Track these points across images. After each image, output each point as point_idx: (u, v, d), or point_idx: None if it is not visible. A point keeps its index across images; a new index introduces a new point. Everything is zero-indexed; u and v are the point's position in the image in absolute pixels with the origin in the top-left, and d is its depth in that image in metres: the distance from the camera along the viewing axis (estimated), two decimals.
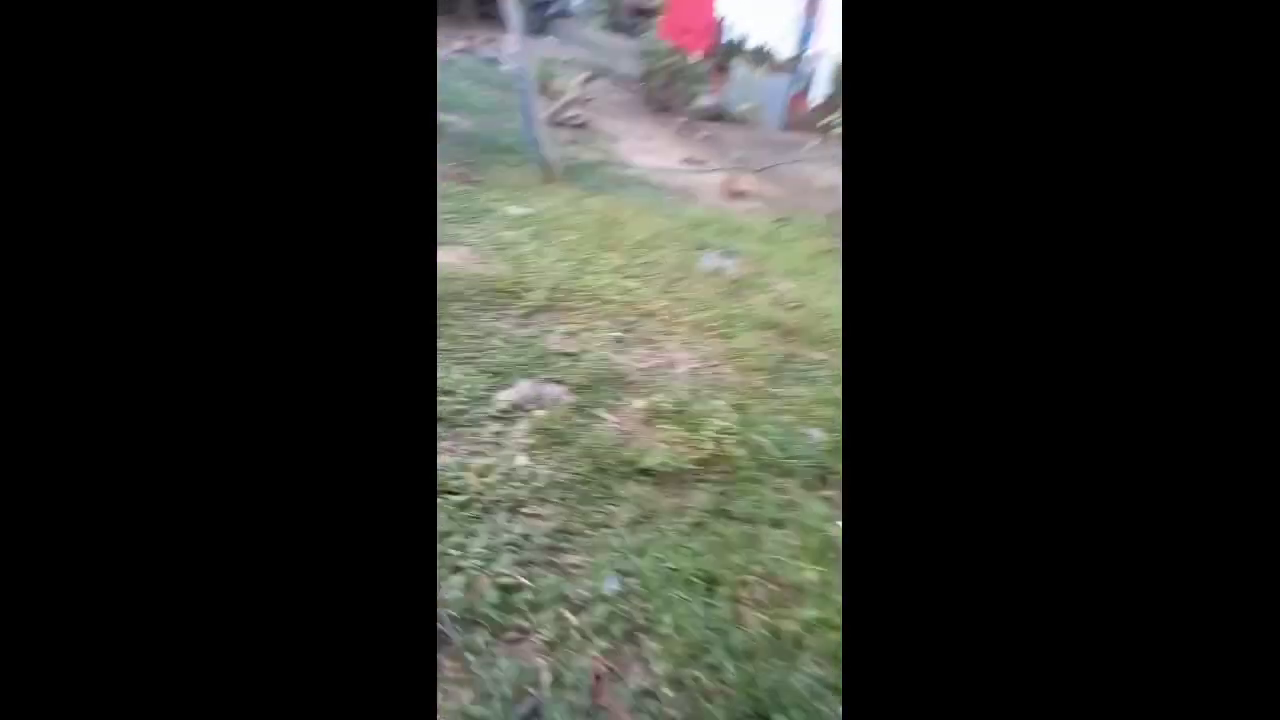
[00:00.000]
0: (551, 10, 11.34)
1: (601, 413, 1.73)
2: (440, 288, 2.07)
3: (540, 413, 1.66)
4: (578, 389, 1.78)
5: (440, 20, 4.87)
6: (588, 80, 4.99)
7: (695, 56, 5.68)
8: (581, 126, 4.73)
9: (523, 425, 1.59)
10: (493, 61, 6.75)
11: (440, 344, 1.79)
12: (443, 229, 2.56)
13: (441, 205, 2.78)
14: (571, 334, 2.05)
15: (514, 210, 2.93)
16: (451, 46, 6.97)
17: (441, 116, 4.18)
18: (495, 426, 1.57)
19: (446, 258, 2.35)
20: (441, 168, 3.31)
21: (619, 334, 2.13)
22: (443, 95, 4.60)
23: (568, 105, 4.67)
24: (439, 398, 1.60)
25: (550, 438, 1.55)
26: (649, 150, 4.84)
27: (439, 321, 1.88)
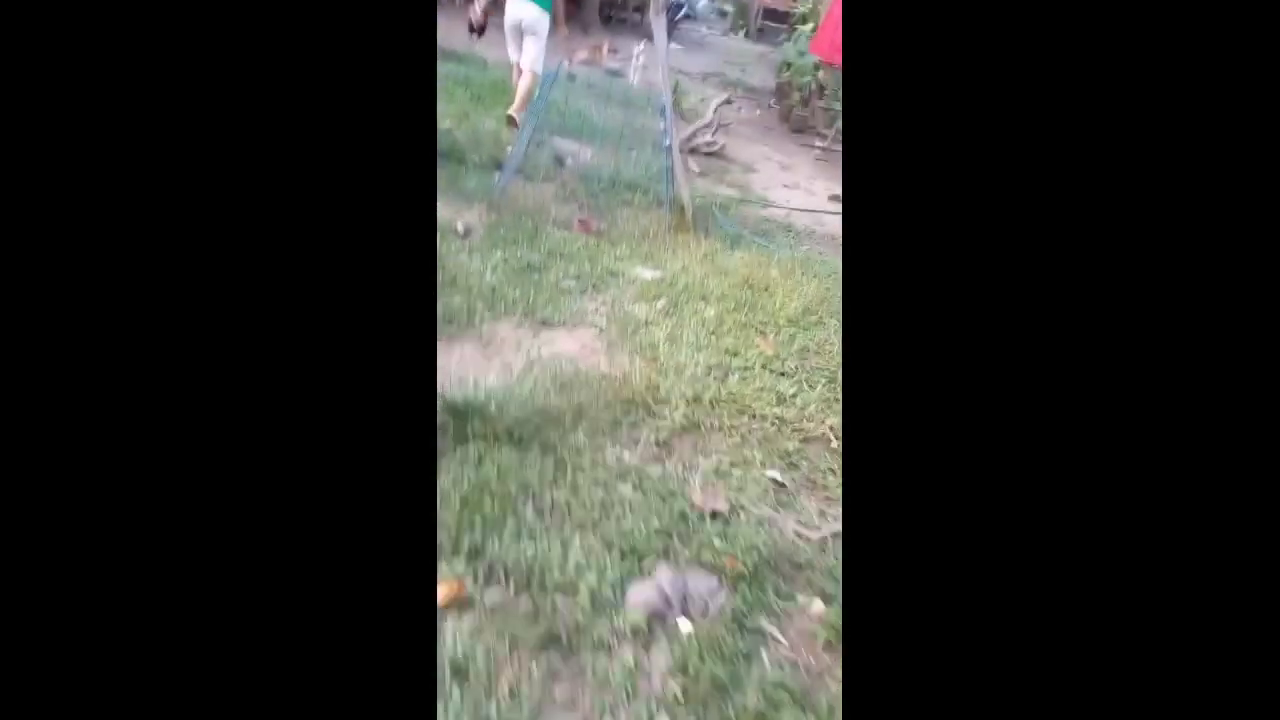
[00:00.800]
0: (678, 15, 10.91)
1: (766, 624, 1.24)
2: (562, 399, 1.67)
3: (686, 627, 1.20)
4: (734, 578, 1.30)
5: (569, 28, 4.48)
6: (725, 103, 4.47)
7: None
8: (716, 154, 4.23)
9: (662, 653, 1.14)
10: (617, 74, 6.41)
11: (560, 495, 1.38)
12: (566, 300, 2.18)
13: (565, 266, 2.40)
14: (720, 473, 1.58)
15: (644, 274, 2.50)
16: (577, 56, 6.72)
17: (563, 143, 3.86)
18: (627, 655, 1.12)
19: (569, 345, 1.96)
20: (564, 210, 2.95)
21: (778, 473, 1.62)
22: (565, 117, 4.28)
23: (701, 130, 4.19)
24: (555, 596, 1.18)
25: (699, 685, 1.08)
26: (790, 184, 4.25)
27: (561, 456, 1.47)
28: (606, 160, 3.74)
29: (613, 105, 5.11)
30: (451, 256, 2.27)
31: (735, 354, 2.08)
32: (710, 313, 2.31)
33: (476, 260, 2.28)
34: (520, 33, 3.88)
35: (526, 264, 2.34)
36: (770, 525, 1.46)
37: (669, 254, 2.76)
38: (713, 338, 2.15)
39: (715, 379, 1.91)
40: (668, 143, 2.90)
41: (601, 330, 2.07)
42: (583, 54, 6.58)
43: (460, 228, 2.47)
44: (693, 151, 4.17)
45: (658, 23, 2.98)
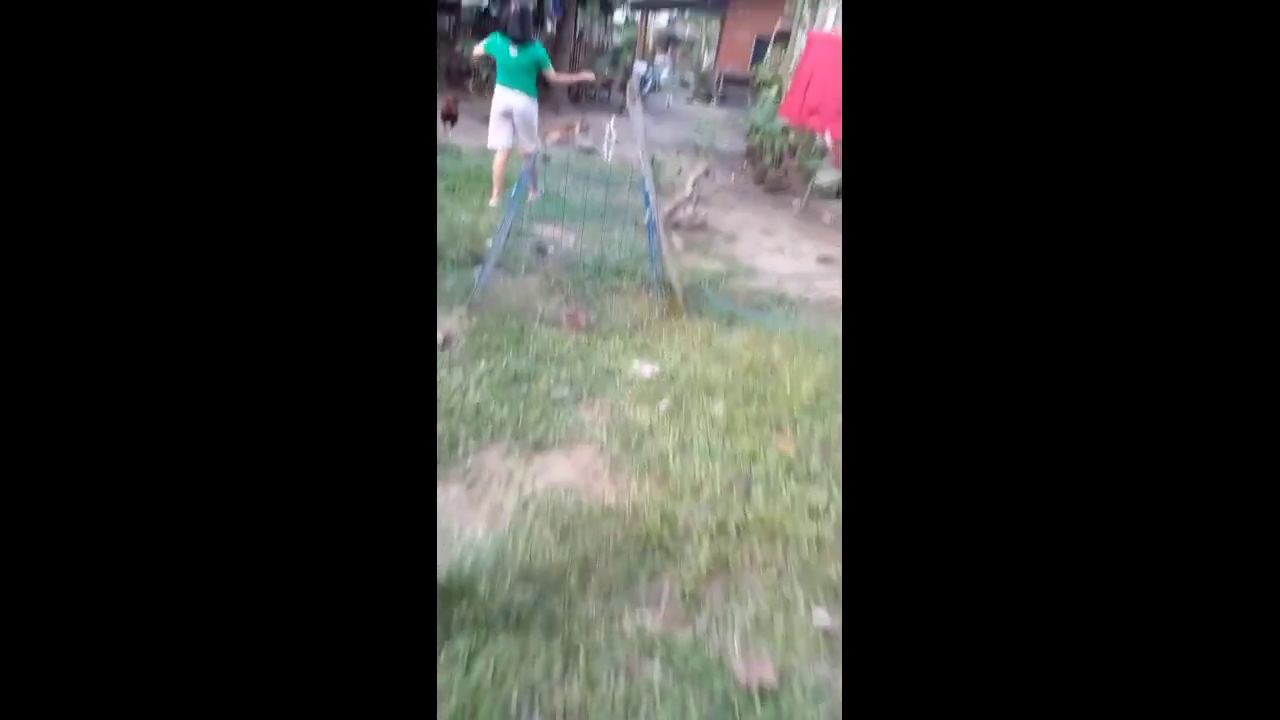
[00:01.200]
0: (645, 88, 11.35)
1: None
2: (564, 550, 1.42)
3: None
4: None
5: (540, 108, 4.53)
6: (704, 175, 4.46)
7: (823, 138, 5.04)
8: (698, 227, 4.16)
9: None
10: (590, 152, 6.49)
11: (572, 694, 1.11)
12: (560, 413, 1.97)
13: (556, 370, 2.21)
14: (760, 626, 1.32)
15: (642, 369, 2.31)
16: (550, 136, 6.82)
17: (543, 230, 3.76)
18: None
19: (567, 471, 1.73)
20: (550, 305, 2.79)
21: (826, 615, 1.37)
22: (543, 201, 4.22)
23: (682, 204, 4.13)
24: None
25: None
26: (775, 248, 4.17)
27: (569, 637, 1.21)
28: (589, 244, 3.63)
29: (590, 184, 5.11)
30: None
31: (754, 458, 1.86)
32: (719, 409, 2.11)
33: (458, 375, 2.08)
34: (509, 120, 3.96)
35: (514, 374, 2.14)
36: (829, 691, 1.20)
37: (665, 343, 2.58)
38: (726, 440, 1.93)
39: (738, 497, 1.68)
40: (650, 222, 2.78)
41: (602, 446, 1.85)
42: (555, 134, 6.67)
43: (440, 338, 2.29)
44: (675, 227, 4.10)
45: (634, 108, 2.92)
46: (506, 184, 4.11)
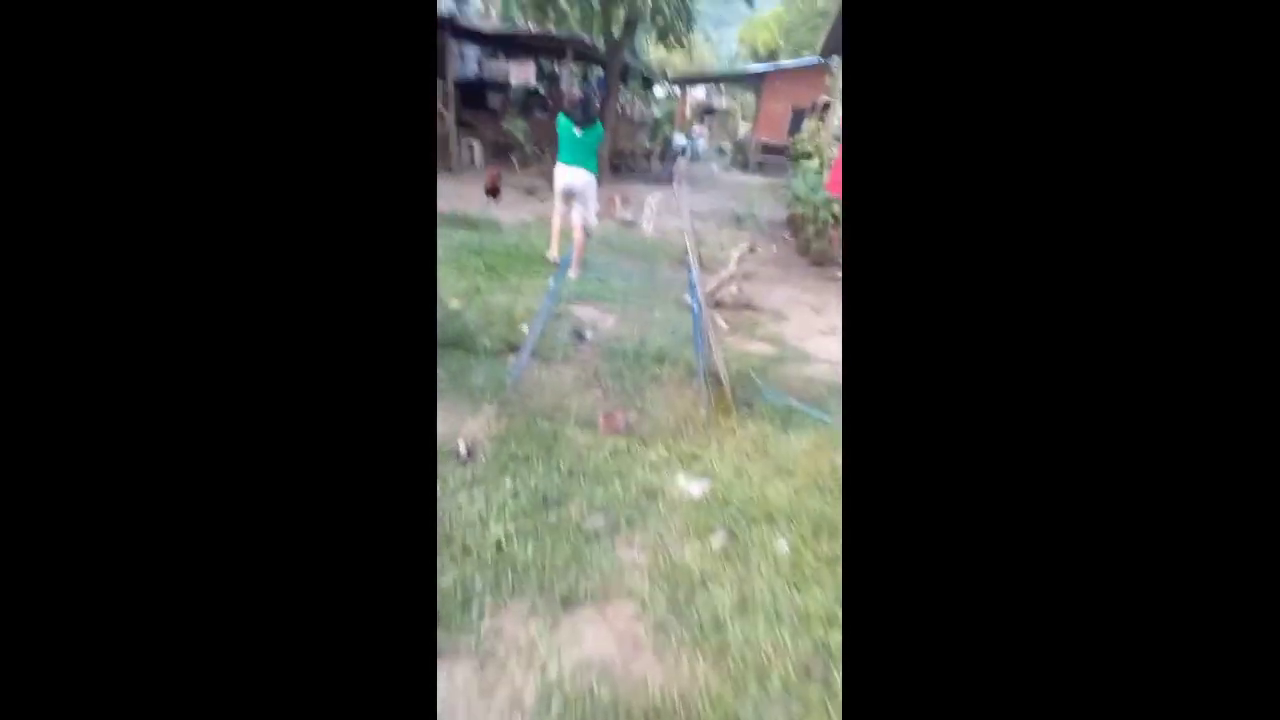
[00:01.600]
0: (683, 156, 11.55)
1: None
2: None
3: None
4: None
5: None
6: (750, 251, 4.26)
7: None
8: (745, 305, 3.92)
9: None
10: (630, 224, 6.45)
11: None
12: (594, 553, 1.67)
13: (591, 491, 1.92)
14: None
15: (690, 488, 2.00)
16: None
17: (582, 312, 3.59)
18: None
19: (601, 641, 1.41)
20: (585, 401, 2.55)
21: None
22: (581, 281, 4.09)
23: (725, 282, 3.92)
24: None
25: None
26: (826, 329, 3.88)
27: None
28: (629, 327, 3.43)
29: (630, 259, 4.99)
30: (448, 496, 1.82)
31: (831, 622, 1.50)
32: (783, 547, 1.77)
33: (479, 499, 1.82)
34: (570, 196, 4.15)
35: (542, 496, 1.87)
36: None
37: (714, 450, 2.28)
38: (794, 594, 1.58)
39: (817, 690, 1.32)
40: (696, 313, 2.54)
41: (645, 604, 1.53)
42: (597, 207, 6.69)
43: (462, 449, 2.05)
44: (718, 305, 3.87)
45: (679, 189, 2.76)
46: (564, 238, 4.38)
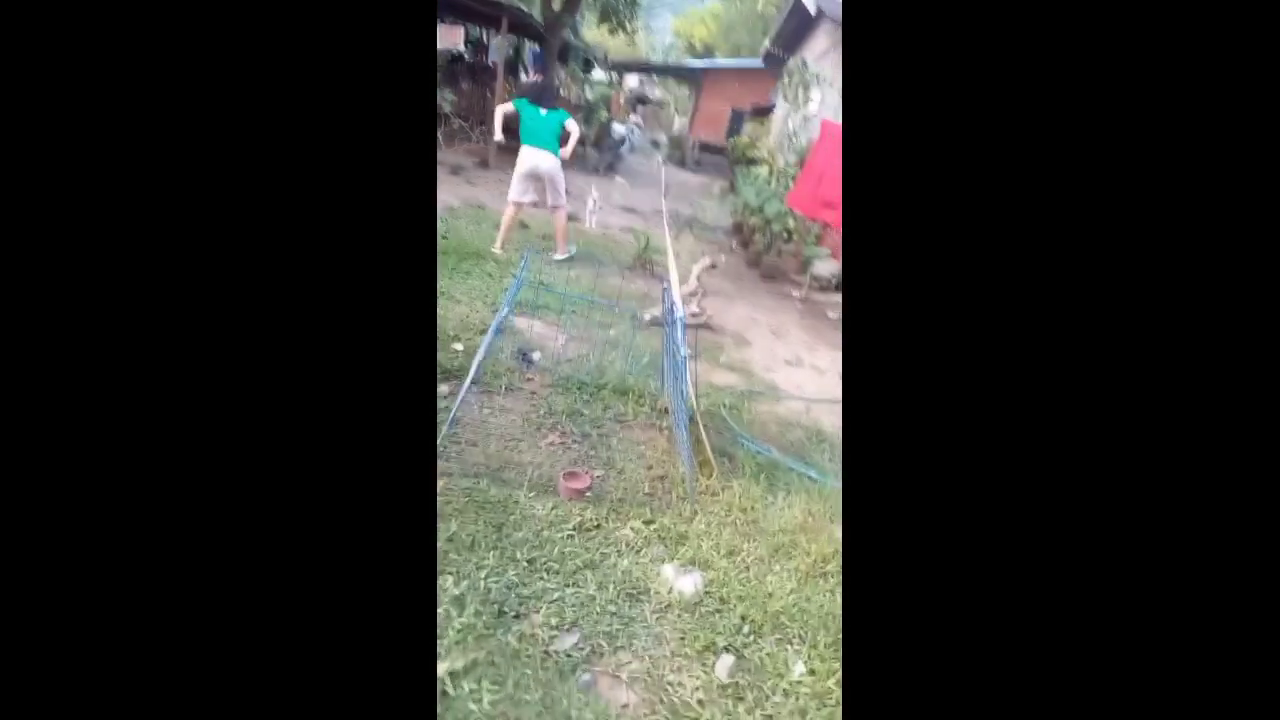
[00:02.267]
0: (621, 147, 11.08)
1: None
2: None
3: None
4: None
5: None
6: (710, 267, 3.94)
7: (832, 231, 4.67)
8: (705, 326, 3.59)
9: None
10: (572, 219, 5.92)
11: None
12: (569, 688, 1.25)
13: (560, 595, 1.50)
14: None
15: (681, 585, 1.63)
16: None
17: (525, 326, 3.10)
18: None
19: None
20: (538, 451, 2.10)
21: None
22: (524, 289, 3.57)
23: (688, 300, 3.57)
24: None
25: None
26: (790, 358, 3.65)
27: None
28: (581, 348, 2.99)
29: (575, 262, 4.50)
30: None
31: None
32: (803, 675, 1.44)
33: None
34: (537, 179, 4.11)
35: (497, 608, 1.42)
36: None
37: (699, 522, 1.93)
38: None
39: None
40: (680, 347, 2.16)
41: None
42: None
43: None
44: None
45: (664, 200, 2.35)
46: (565, 232, 4.32)
